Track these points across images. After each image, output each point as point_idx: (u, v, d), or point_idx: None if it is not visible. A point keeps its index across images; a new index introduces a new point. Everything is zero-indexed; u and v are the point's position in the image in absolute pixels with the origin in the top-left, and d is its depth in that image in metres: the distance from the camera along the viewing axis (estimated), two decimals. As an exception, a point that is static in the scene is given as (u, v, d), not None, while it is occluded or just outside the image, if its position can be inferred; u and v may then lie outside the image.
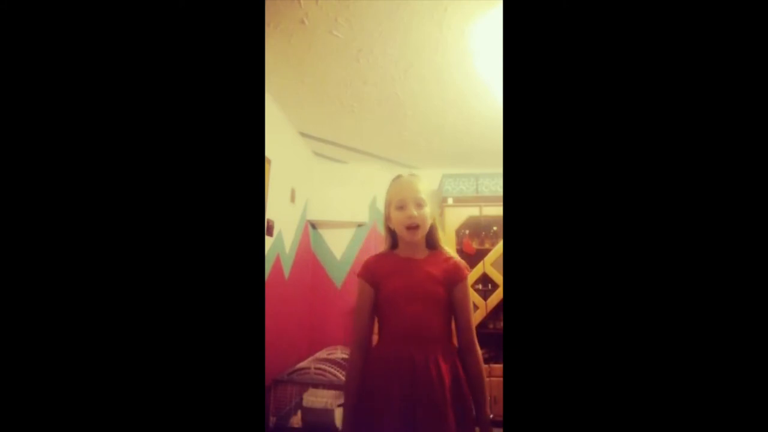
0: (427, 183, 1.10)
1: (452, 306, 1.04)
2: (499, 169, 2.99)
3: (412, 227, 1.03)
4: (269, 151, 2.25)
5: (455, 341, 1.06)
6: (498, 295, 2.74)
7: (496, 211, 2.81)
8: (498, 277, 2.76)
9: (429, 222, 1.06)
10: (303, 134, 2.79)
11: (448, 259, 1.07)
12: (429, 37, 1.71)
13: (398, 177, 1.12)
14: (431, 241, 1.10)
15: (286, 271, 2.61)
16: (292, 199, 2.74)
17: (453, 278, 1.03)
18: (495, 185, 2.88)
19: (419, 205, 1.03)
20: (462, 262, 1.07)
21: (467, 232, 2.95)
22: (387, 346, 1.02)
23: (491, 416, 1.00)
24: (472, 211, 2.86)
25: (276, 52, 1.83)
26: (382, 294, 1.04)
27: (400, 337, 1.01)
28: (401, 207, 1.04)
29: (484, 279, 2.80)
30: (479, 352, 1.04)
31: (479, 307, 2.73)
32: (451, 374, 0.98)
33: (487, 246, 2.91)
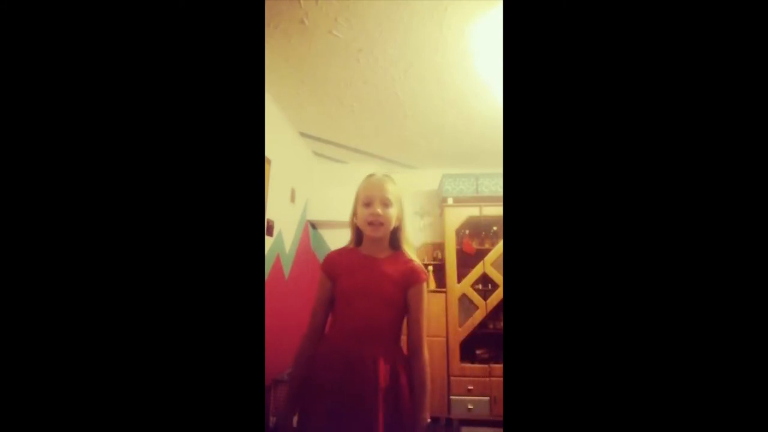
0: (398, 185, 1.11)
1: (406, 309, 1.04)
2: (499, 169, 2.99)
3: (374, 223, 1.04)
4: (269, 151, 2.25)
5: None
6: (498, 295, 2.74)
7: (496, 211, 2.82)
8: (498, 277, 2.76)
9: (393, 222, 1.07)
10: (303, 134, 2.79)
11: (408, 261, 1.07)
12: (429, 37, 1.71)
13: (370, 175, 1.13)
14: (394, 242, 1.10)
15: (286, 271, 2.61)
16: (292, 199, 2.74)
17: (409, 281, 1.04)
18: (495, 185, 2.89)
19: (385, 204, 1.05)
20: (420, 266, 1.07)
21: (467, 232, 2.96)
22: (333, 341, 1.03)
23: (428, 421, 0.99)
24: (472, 211, 2.87)
25: (276, 52, 1.83)
26: (338, 288, 1.06)
27: (346, 332, 1.02)
28: (367, 204, 1.05)
29: (484, 279, 2.80)
30: (426, 357, 1.03)
31: (479, 307, 2.73)
32: (390, 375, 0.98)
33: (487, 246, 2.91)
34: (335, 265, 1.09)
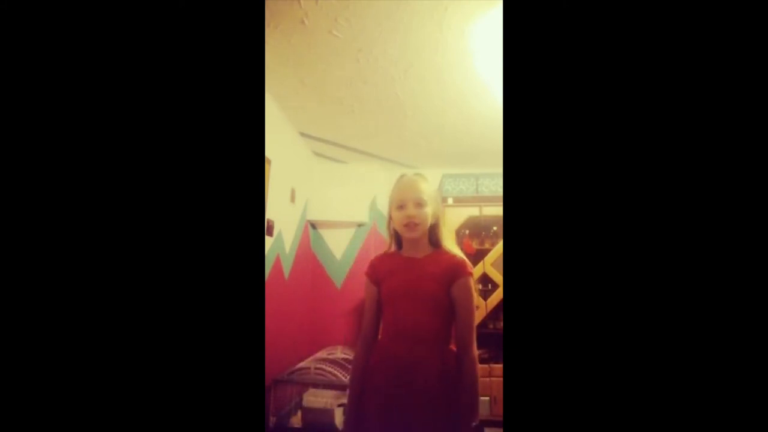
0: (430, 182, 1.10)
1: (452, 304, 1.02)
2: (499, 169, 2.99)
3: (410, 225, 1.04)
4: (269, 151, 2.25)
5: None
6: (498, 295, 2.74)
7: (496, 211, 2.81)
8: (498, 277, 2.76)
9: (429, 221, 1.06)
10: (303, 134, 2.79)
11: (451, 257, 1.05)
12: (429, 37, 1.71)
13: (402, 176, 1.12)
14: (434, 240, 1.09)
15: (286, 271, 2.61)
16: (292, 199, 2.74)
17: (452, 276, 1.01)
18: (495, 185, 2.88)
19: (419, 204, 1.04)
20: (464, 260, 1.05)
21: (467, 232, 2.95)
22: (384, 345, 1.04)
23: (476, 423, 0.97)
24: (472, 211, 2.86)
25: (276, 52, 1.83)
26: (383, 293, 1.06)
27: (394, 335, 1.03)
28: (401, 206, 1.05)
29: (484, 279, 2.80)
30: (475, 353, 1.01)
31: (479, 307, 2.73)
32: (442, 375, 0.97)
33: (487, 246, 2.91)
34: (377, 269, 1.10)
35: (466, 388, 0.98)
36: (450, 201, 2.90)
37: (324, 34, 1.70)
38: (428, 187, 1.08)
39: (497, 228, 2.93)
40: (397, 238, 1.11)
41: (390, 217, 1.10)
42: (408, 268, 1.06)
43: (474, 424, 0.96)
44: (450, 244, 1.09)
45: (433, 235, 1.09)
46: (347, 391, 1.08)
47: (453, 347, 1.03)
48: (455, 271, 1.02)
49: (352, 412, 1.03)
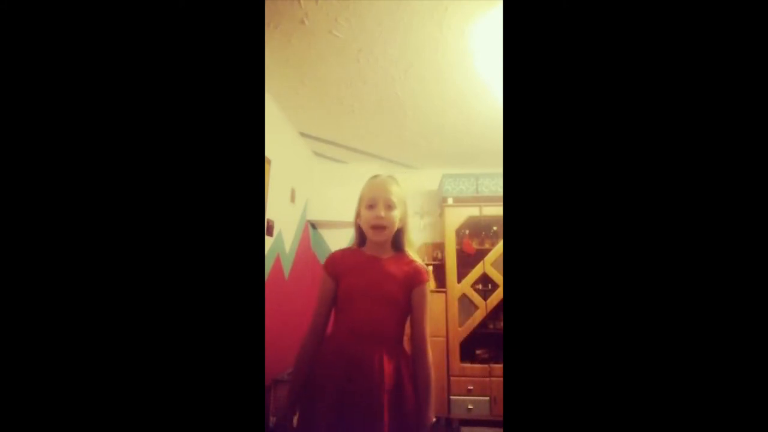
0: (401, 186, 1.11)
1: (410, 309, 1.05)
2: (499, 169, 2.99)
3: (378, 227, 1.04)
4: (269, 151, 2.25)
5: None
6: (498, 295, 2.74)
7: (496, 211, 2.82)
8: (498, 277, 2.76)
9: (397, 224, 1.07)
10: (303, 134, 2.79)
11: (410, 262, 1.08)
12: (429, 37, 1.71)
13: (374, 177, 1.13)
14: (397, 243, 1.10)
15: (286, 271, 2.61)
16: (292, 199, 2.74)
17: (412, 281, 1.04)
18: (495, 185, 2.89)
19: (389, 206, 1.05)
20: (423, 267, 1.08)
21: (467, 232, 2.95)
22: (336, 340, 1.03)
23: (433, 420, 0.99)
24: (472, 211, 2.87)
25: (276, 52, 1.83)
26: (341, 288, 1.06)
27: (349, 332, 1.02)
28: (371, 206, 1.05)
29: (484, 279, 2.80)
30: (429, 356, 1.03)
31: (479, 307, 2.73)
32: (394, 375, 0.98)
33: (487, 246, 2.91)
34: (338, 264, 1.09)
35: (420, 388, 1.00)
36: (450, 201, 2.91)
37: (324, 34, 1.70)
38: (399, 190, 1.09)
39: (497, 228, 2.94)
40: (361, 235, 1.11)
41: (358, 215, 1.10)
42: (370, 266, 1.06)
43: (431, 422, 0.99)
44: (411, 249, 1.11)
45: (397, 239, 1.10)
46: (291, 381, 1.07)
47: (406, 348, 1.05)
48: (416, 277, 1.05)
49: (294, 405, 1.03)
